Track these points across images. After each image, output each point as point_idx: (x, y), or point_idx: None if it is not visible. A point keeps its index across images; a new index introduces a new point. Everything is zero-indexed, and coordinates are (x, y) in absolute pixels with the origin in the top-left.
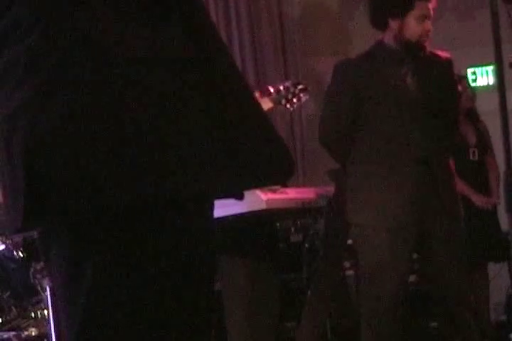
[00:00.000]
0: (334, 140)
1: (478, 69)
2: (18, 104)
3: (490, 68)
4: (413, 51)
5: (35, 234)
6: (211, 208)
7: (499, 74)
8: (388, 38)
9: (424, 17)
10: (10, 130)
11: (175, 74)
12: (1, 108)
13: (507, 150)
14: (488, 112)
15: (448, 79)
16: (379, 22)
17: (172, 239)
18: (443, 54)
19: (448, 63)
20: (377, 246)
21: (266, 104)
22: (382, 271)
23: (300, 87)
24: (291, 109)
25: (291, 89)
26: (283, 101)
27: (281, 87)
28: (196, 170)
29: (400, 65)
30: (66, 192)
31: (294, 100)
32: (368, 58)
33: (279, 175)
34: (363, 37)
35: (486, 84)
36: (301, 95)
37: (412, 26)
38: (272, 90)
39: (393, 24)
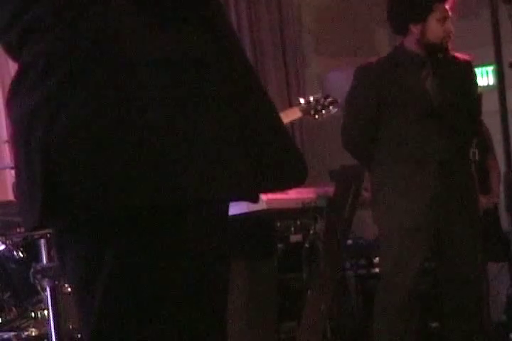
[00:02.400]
0: (358, 143)
1: (478, 69)
2: (36, 103)
3: (490, 68)
4: (437, 53)
5: (35, 234)
6: (227, 209)
7: (499, 74)
8: (409, 42)
9: (445, 18)
10: (28, 128)
11: (195, 76)
12: (20, 106)
13: (507, 150)
14: (488, 112)
15: (468, 82)
16: (400, 28)
17: (189, 239)
18: (463, 56)
19: (468, 66)
20: (396, 245)
21: (295, 114)
22: (399, 270)
23: (330, 99)
24: (320, 119)
25: (321, 101)
26: (312, 112)
27: (311, 98)
28: (213, 173)
29: (420, 68)
30: (83, 191)
31: (323, 111)
32: (389, 62)
33: (293, 180)
34: (363, 37)
35: (486, 84)
36: (331, 107)
37: (435, 29)
38: (301, 101)
39: (415, 29)
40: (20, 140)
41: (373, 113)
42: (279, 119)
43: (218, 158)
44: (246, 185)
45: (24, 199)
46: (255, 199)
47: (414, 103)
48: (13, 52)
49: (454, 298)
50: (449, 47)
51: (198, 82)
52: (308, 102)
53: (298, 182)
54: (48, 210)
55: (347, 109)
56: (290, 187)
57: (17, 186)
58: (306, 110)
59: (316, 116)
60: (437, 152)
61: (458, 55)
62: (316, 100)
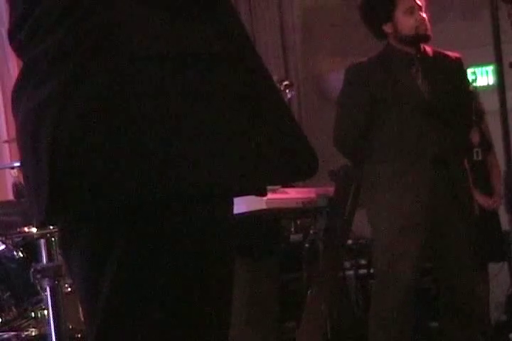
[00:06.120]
0: (351, 142)
1: (478, 69)
2: (43, 98)
3: (490, 68)
4: (419, 43)
5: (34, 234)
6: (232, 203)
7: (499, 74)
8: (392, 41)
9: (413, 9)
10: (35, 124)
11: (205, 70)
12: (27, 102)
13: (507, 150)
14: (488, 112)
15: (459, 79)
16: (377, 33)
17: (194, 233)
18: (452, 54)
19: (458, 62)
20: (390, 245)
21: None
22: (394, 269)
23: (285, 83)
24: None
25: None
26: None
27: None
28: (220, 167)
29: (409, 65)
30: (89, 187)
31: None
32: (379, 60)
33: (303, 172)
34: (362, 37)
35: (486, 84)
36: (287, 91)
37: (405, 21)
38: None
39: (387, 28)
40: (27, 136)
41: (366, 112)
42: (290, 112)
43: (225, 150)
44: (254, 177)
45: (32, 195)
46: (263, 193)
47: (406, 100)
48: (22, 51)
49: (450, 300)
50: (429, 34)
51: (204, 78)
52: None
53: (307, 173)
54: (54, 206)
55: (339, 109)
56: (299, 179)
57: (25, 183)
58: None
59: None
60: (431, 148)
61: (447, 52)
62: None
